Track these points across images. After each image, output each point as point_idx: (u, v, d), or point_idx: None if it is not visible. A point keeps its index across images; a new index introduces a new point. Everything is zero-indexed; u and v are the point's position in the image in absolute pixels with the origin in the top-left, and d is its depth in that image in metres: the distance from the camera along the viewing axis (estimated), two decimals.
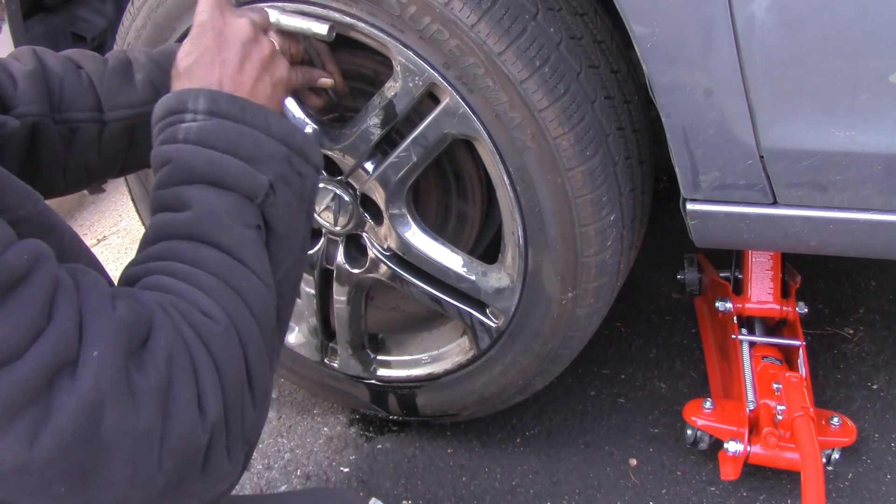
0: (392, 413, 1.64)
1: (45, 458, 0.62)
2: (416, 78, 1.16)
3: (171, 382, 0.69)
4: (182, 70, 0.92)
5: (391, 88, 1.20)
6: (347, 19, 1.15)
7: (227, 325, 0.75)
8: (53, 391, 0.62)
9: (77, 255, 0.80)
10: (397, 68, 1.17)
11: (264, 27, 1.01)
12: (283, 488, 1.63)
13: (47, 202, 0.78)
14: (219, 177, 0.82)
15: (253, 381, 0.77)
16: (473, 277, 1.33)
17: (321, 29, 1.13)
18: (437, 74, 1.14)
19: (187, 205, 0.81)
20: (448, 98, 1.16)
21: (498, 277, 1.32)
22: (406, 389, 1.56)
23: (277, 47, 1.02)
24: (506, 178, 1.19)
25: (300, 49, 1.18)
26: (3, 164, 1.01)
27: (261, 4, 1.20)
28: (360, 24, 1.15)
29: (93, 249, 2.51)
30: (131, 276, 0.80)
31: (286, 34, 1.15)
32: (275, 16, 1.15)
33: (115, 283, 0.83)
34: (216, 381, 0.72)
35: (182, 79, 0.91)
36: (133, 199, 1.63)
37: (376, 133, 1.24)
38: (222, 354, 0.74)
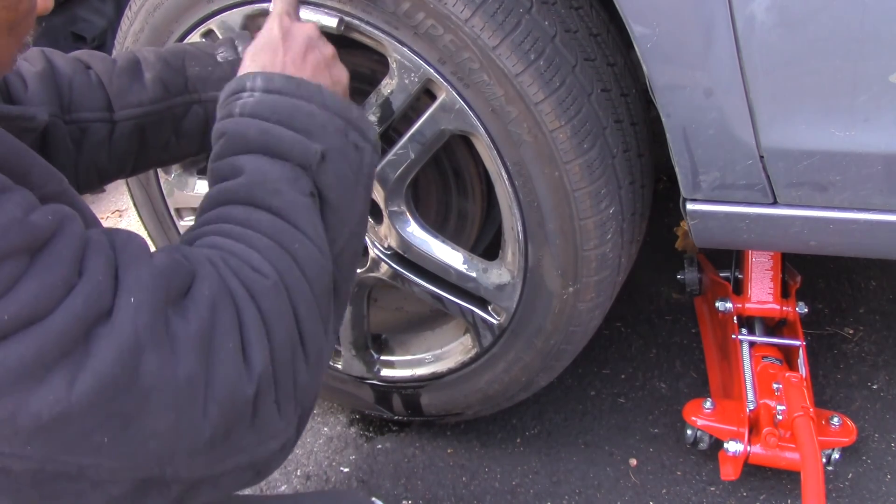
0: (397, 413, 1.63)
1: (84, 403, 0.62)
2: (412, 74, 1.16)
3: (214, 331, 0.70)
4: (248, 57, 0.95)
5: (387, 86, 1.20)
6: (333, 4, 1.15)
7: (276, 281, 0.76)
8: (90, 340, 0.63)
9: None
10: (393, 65, 1.17)
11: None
12: (283, 488, 1.63)
13: None
14: (271, 146, 0.84)
15: (305, 341, 0.78)
16: (474, 274, 1.33)
17: (330, 22, 1.14)
18: (432, 70, 1.14)
19: (240, 172, 0.83)
20: (444, 94, 1.16)
21: (499, 274, 1.32)
22: (410, 389, 1.56)
23: None
24: (504, 173, 1.19)
25: None
26: None
27: (261, 5, 1.21)
28: (355, 22, 1.15)
29: None
30: (186, 240, 0.82)
31: None
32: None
33: None
34: (263, 334, 0.73)
35: (247, 63, 0.94)
36: (135, 204, 1.63)
37: None
38: (271, 309, 0.74)
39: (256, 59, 0.94)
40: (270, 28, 0.98)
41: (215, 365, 0.69)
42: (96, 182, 1.12)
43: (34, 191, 0.69)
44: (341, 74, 1.01)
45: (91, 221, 0.80)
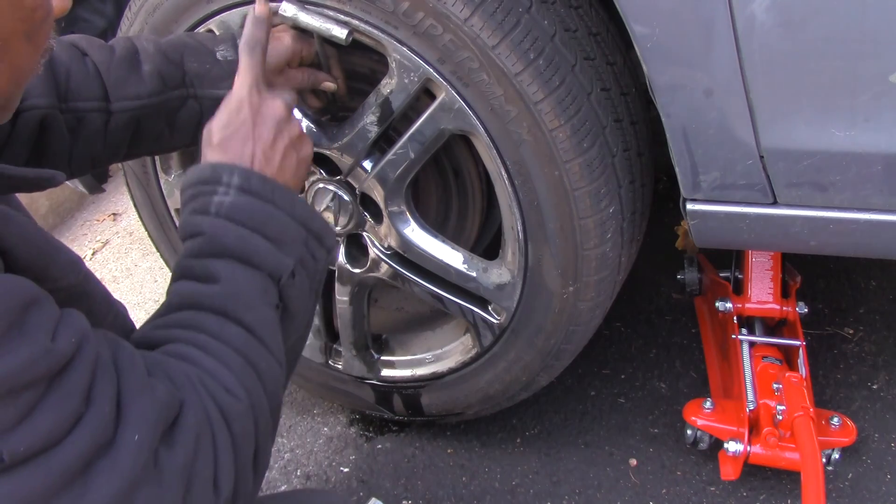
0: (398, 413, 1.63)
1: None
2: (412, 74, 1.16)
3: (196, 460, 0.71)
4: (217, 141, 0.94)
5: (387, 85, 1.20)
6: (342, 17, 1.15)
7: (247, 405, 0.78)
8: (90, 473, 0.64)
9: (103, 319, 0.82)
10: (392, 65, 1.17)
11: (292, 107, 1.04)
12: (283, 488, 1.63)
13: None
14: (247, 255, 0.85)
15: (258, 457, 0.80)
16: (474, 274, 1.33)
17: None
18: (431, 70, 1.14)
19: (216, 278, 0.84)
20: (444, 93, 1.16)
21: (499, 273, 1.32)
22: (411, 389, 1.56)
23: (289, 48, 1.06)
24: (503, 172, 1.19)
25: (311, 51, 1.18)
26: (11, 154, 1.02)
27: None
28: (355, 22, 1.15)
29: (93, 252, 2.51)
30: (155, 339, 0.82)
31: (300, 33, 1.16)
32: (292, 10, 1.14)
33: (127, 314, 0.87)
34: (232, 459, 0.75)
35: (216, 150, 0.94)
36: (135, 205, 1.63)
37: (374, 131, 1.24)
38: (240, 433, 0.76)
39: (226, 146, 0.93)
40: (240, 106, 0.96)
41: (192, 494, 0.70)
42: (88, 167, 1.12)
43: (49, 283, 0.69)
44: (307, 151, 1.02)
45: (100, 307, 0.80)
